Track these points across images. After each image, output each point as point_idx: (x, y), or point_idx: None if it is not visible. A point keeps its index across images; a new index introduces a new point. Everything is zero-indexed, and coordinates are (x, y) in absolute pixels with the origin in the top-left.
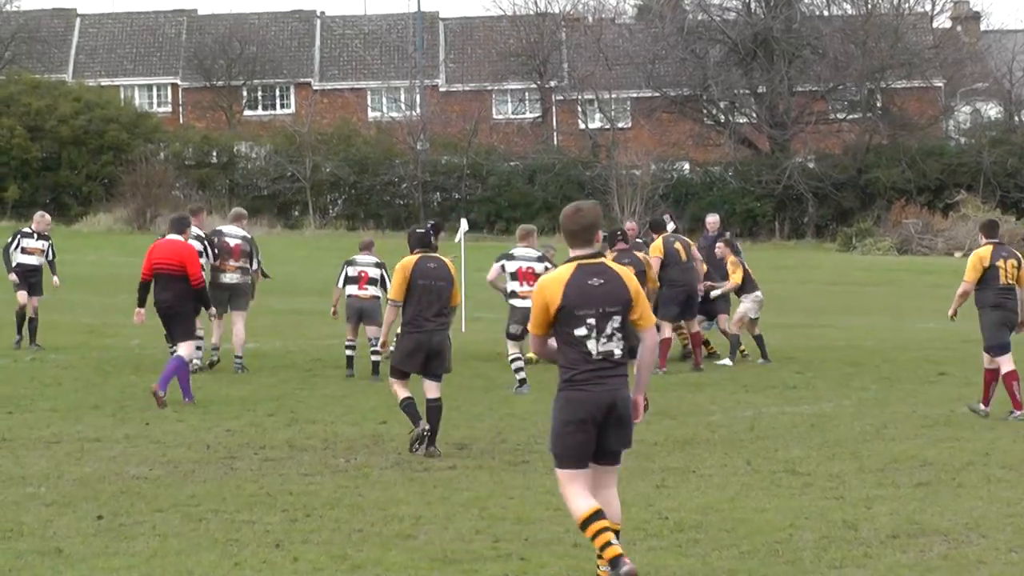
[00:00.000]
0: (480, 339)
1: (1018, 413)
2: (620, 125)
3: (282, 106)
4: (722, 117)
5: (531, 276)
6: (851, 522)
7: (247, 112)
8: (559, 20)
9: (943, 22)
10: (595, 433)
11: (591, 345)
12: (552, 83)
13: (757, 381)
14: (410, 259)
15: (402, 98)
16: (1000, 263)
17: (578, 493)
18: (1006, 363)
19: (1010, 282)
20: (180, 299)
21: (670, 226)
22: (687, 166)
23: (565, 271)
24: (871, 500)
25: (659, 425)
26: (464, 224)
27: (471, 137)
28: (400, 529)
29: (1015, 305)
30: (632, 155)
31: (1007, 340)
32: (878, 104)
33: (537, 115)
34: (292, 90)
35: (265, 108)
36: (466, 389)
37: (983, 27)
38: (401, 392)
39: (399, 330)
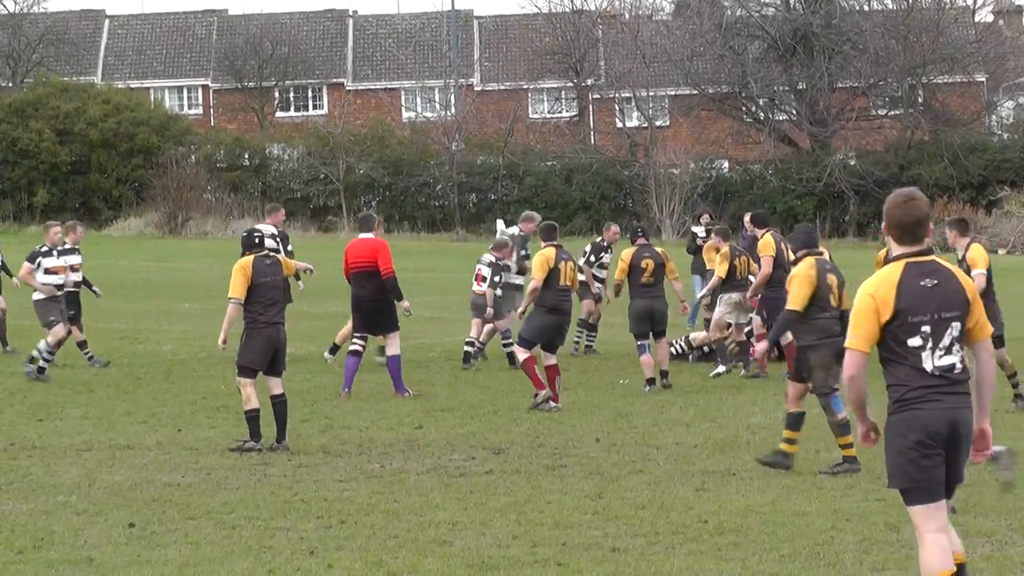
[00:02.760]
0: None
1: None
2: (658, 123)
3: (315, 107)
4: (761, 114)
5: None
6: (893, 524)
7: (279, 113)
8: (595, 17)
9: (985, 16)
10: (943, 458)
11: (926, 358)
12: (589, 81)
13: None
14: (248, 259)
15: (436, 98)
16: None
17: (936, 544)
18: None
19: None
20: (378, 293)
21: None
22: (726, 164)
23: (893, 270)
24: None
25: (699, 427)
26: (501, 225)
27: (507, 137)
28: (436, 535)
29: None
30: (670, 154)
31: None
32: (920, 100)
33: (574, 114)
34: (325, 91)
35: (297, 109)
36: (504, 393)
37: None
38: (253, 397)
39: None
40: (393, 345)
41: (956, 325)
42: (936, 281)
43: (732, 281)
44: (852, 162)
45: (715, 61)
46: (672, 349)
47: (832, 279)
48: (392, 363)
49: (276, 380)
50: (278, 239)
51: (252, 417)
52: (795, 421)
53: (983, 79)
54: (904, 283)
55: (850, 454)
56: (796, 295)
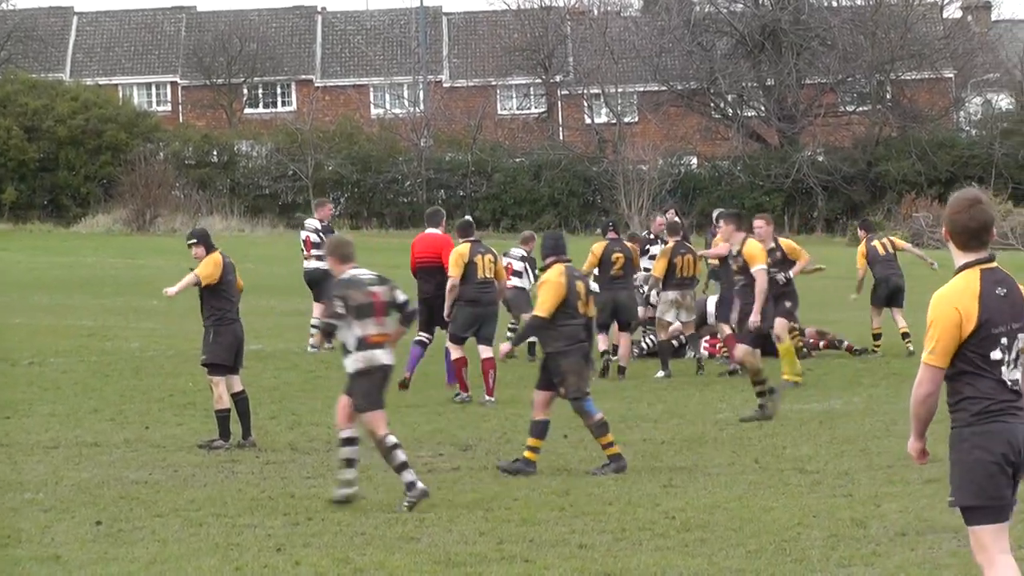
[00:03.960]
0: None
1: None
2: (627, 119)
3: (283, 104)
4: (730, 111)
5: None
6: (860, 520)
7: (248, 110)
8: (564, 13)
9: (953, 12)
10: (1012, 475)
11: (1005, 372)
12: (557, 78)
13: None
14: (218, 256)
15: (405, 94)
16: None
17: (1010, 566)
18: None
19: None
20: (440, 289)
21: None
22: (695, 160)
23: (972, 280)
24: (880, 498)
25: (666, 424)
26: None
27: (475, 133)
28: (403, 532)
29: None
30: (639, 150)
31: None
32: (888, 96)
33: (542, 110)
34: (293, 87)
35: (266, 106)
36: (471, 389)
37: (994, 17)
38: (225, 396)
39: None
40: (425, 336)
41: (1021, 337)
42: (1006, 290)
43: (672, 279)
44: (820, 158)
45: (683, 57)
46: (643, 344)
47: (580, 286)
48: (416, 351)
49: (236, 377)
50: (321, 233)
51: (223, 416)
52: (540, 429)
53: (951, 75)
54: (985, 293)
55: (613, 452)
56: (544, 302)
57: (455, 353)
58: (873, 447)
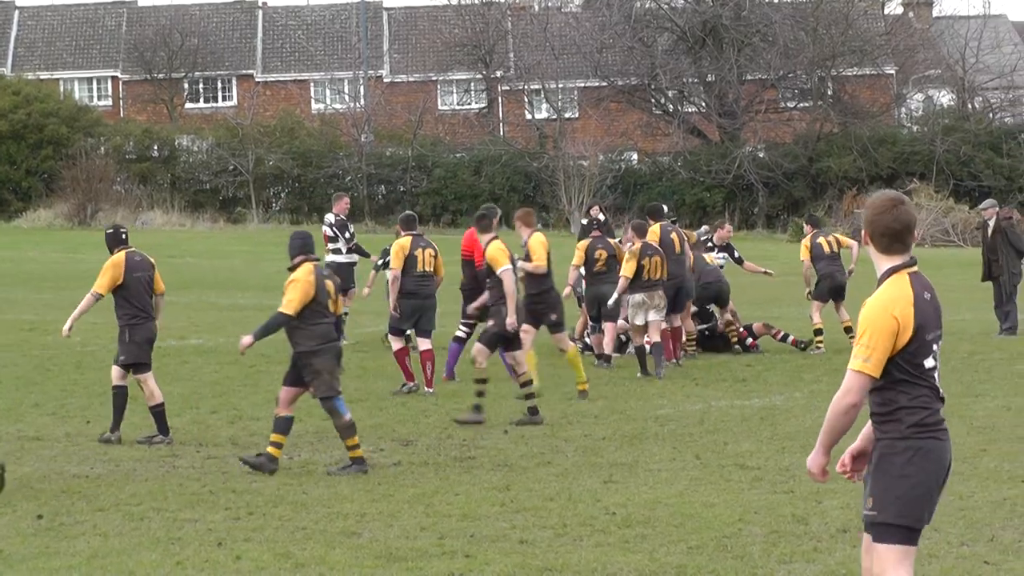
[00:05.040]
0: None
1: None
2: (567, 115)
3: (224, 99)
4: (671, 106)
5: None
6: (801, 516)
7: (188, 105)
8: (505, 9)
9: (895, 8)
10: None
11: (936, 379)
12: (498, 73)
13: (707, 374)
14: (120, 256)
15: (346, 89)
16: None
17: None
18: None
19: None
20: (471, 282)
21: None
22: (635, 156)
23: (904, 286)
24: (821, 494)
25: (607, 419)
26: None
27: (416, 128)
28: (344, 527)
29: None
30: (580, 145)
31: None
32: (829, 92)
33: (483, 106)
34: (234, 82)
35: (207, 101)
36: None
37: (935, 13)
38: (157, 391)
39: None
40: (464, 331)
41: (938, 345)
42: (930, 294)
43: (639, 281)
44: (761, 154)
45: (624, 53)
46: (587, 339)
47: (330, 285)
48: (454, 348)
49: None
50: (335, 228)
51: (159, 412)
52: (284, 425)
53: (892, 71)
54: (917, 298)
55: (357, 455)
56: (292, 300)
57: (396, 344)
58: (814, 443)
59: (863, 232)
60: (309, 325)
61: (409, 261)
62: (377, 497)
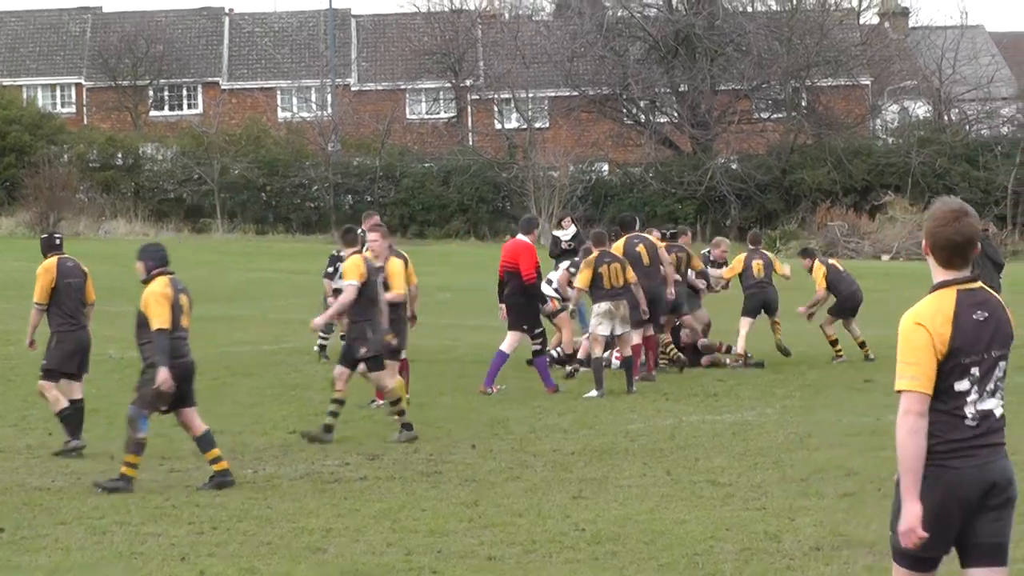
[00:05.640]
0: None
1: None
2: (537, 125)
3: (189, 106)
4: (642, 117)
5: None
6: (773, 534)
7: (153, 113)
8: (474, 17)
9: (870, 18)
10: (959, 526)
11: (969, 404)
12: (467, 82)
13: (678, 389)
14: (51, 262)
15: (313, 98)
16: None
17: None
18: None
19: None
20: (513, 293)
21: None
22: (606, 167)
23: (946, 300)
24: (794, 511)
25: (577, 434)
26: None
27: (384, 138)
28: (309, 542)
29: None
30: (550, 156)
31: None
32: (803, 103)
33: (452, 115)
34: (199, 90)
35: (172, 108)
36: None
37: (911, 23)
38: (61, 398)
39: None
40: (509, 339)
41: (1002, 365)
42: (987, 314)
43: (600, 290)
44: (734, 166)
45: (596, 62)
46: (553, 353)
47: (184, 299)
48: (539, 362)
49: (78, 384)
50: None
51: (66, 416)
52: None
53: (868, 82)
54: (959, 316)
55: (131, 473)
56: (160, 314)
57: None
58: (787, 459)
59: (923, 244)
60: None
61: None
62: (343, 512)
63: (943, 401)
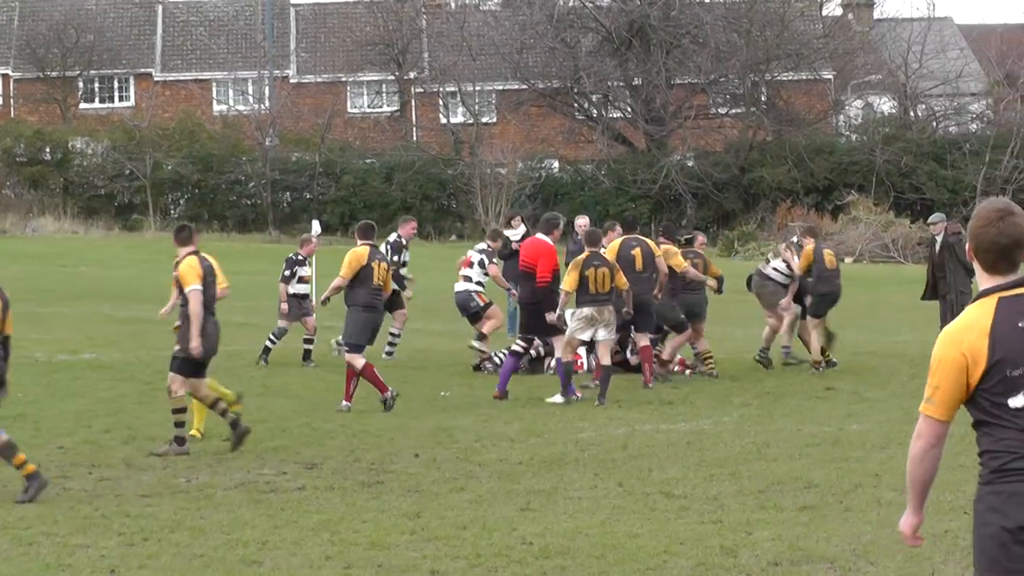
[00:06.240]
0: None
1: None
2: (484, 120)
3: (121, 99)
4: (594, 111)
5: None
6: (730, 548)
7: (83, 105)
8: (419, 6)
9: (833, 10)
10: None
11: None
12: (412, 74)
13: (631, 396)
14: None
15: (250, 90)
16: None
17: None
18: None
19: None
20: (531, 294)
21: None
22: (556, 164)
23: (984, 312)
24: (751, 524)
25: (525, 443)
26: (316, 227)
27: (324, 132)
28: (245, 554)
29: None
30: (497, 152)
31: None
32: (763, 98)
33: (395, 109)
34: (132, 81)
35: (103, 101)
36: (317, 404)
37: (877, 15)
38: None
39: None
40: (557, 348)
41: None
42: None
43: (586, 294)
44: (690, 163)
45: (546, 54)
46: (496, 359)
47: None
48: (558, 367)
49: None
50: (389, 247)
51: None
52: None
53: (830, 76)
54: (999, 326)
55: (29, 470)
56: None
57: (359, 362)
58: (744, 471)
59: (967, 247)
60: None
61: (365, 272)
62: (280, 524)
63: (1004, 418)
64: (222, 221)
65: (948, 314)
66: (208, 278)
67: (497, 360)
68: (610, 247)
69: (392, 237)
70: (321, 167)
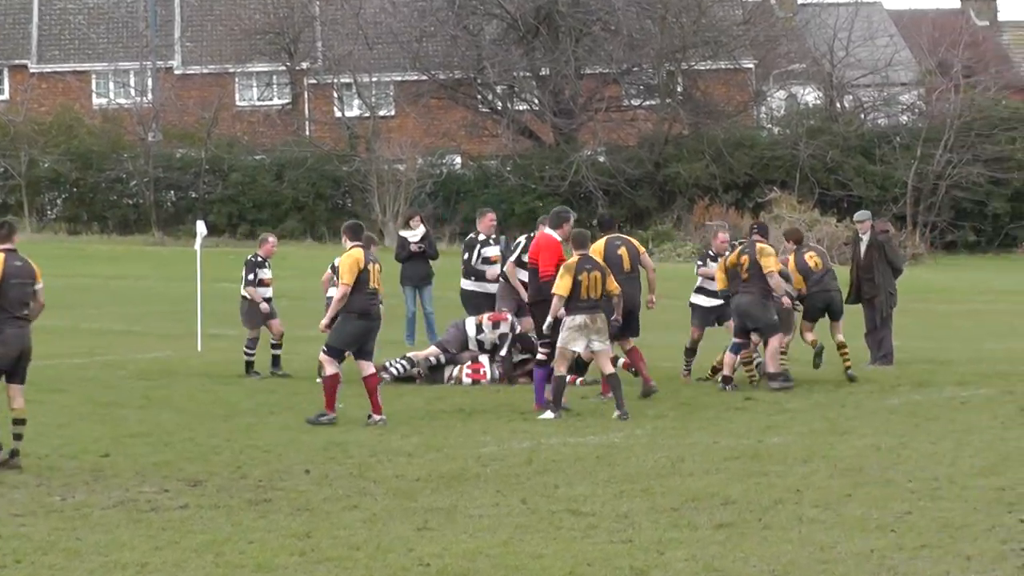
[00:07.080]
0: (219, 359)
1: None
2: (382, 113)
3: None
4: (499, 104)
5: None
6: (641, 569)
7: None
8: None
9: None
10: None
11: None
12: (304, 65)
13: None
14: None
15: (131, 82)
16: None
17: None
18: None
19: None
20: (536, 292)
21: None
22: (459, 160)
23: None
24: (664, 544)
25: (422, 458)
26: (202, 228)
27: (210, 127)
28: None
29: None
30: (395, 147)
31: None
32: (679, 89)
33: (287, 101)
34: (6, 73)
35: None
36: (202, 417)
37: (800, 0)
38: None
39: None
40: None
41: None
42: None
43: (578, 301)
44: (601, 158)
45: (447, 43)
46: (392, 370)
47: None
48: (538, 380)
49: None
50: (465, 248)
51: None
52: None
53: (751, 65)
54: None
55: None
56: None
57: (331, 369)
58: (657, 486)
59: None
60: None
61: (361, 276)
62: (161, 544)
63: None
64: (102, 222)
65: (877, 317)
66: (10, 279)
67: (394, 371)
68: (594, 248)
69: (472, 236)
70: (207, 164)
